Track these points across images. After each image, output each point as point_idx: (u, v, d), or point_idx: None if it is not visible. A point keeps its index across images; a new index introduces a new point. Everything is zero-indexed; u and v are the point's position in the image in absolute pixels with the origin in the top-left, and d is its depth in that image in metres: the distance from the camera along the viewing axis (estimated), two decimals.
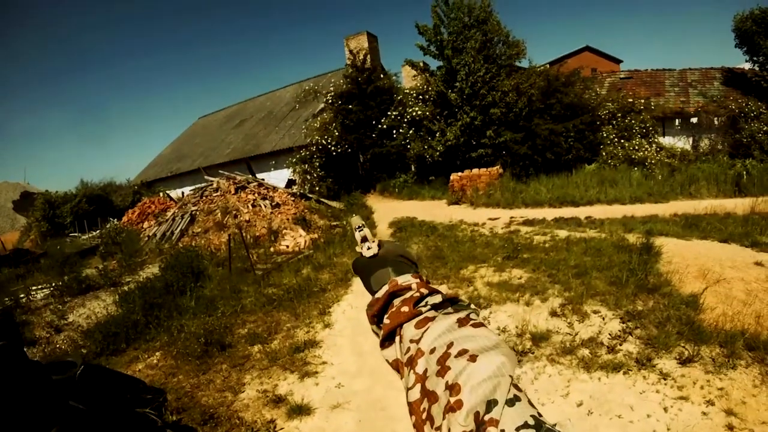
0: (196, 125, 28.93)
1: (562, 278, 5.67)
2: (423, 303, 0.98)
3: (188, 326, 5.30)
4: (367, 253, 1.31)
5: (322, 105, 16.02)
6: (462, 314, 0.88)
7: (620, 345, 3.90)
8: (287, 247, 9.70)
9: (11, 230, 24.38)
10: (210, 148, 21.52)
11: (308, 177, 14.51)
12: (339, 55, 15.39)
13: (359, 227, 1.47)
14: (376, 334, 1.03)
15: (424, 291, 1.02)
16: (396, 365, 0.92)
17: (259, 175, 16.06)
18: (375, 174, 15.32)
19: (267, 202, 12.24)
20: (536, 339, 4.20)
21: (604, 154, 13.81)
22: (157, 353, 5.03)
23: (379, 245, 1.34)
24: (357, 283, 6.89)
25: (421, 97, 14.68)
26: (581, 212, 9.95)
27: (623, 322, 4.28)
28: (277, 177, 15.49)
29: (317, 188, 14.30)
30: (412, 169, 14.83)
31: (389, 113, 14.57)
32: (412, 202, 13.86)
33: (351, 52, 15.24)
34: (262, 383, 4.17)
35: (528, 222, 9.60)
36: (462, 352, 0.72)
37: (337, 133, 14.12)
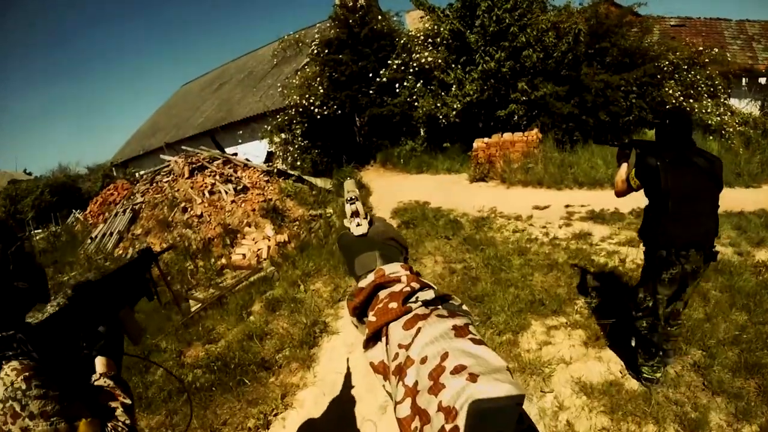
0: (177, 94, 25.41)
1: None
2: (413, 299, 0.80)
3: None
4: (356, 231, 1.08)
5: (307, 59, 12.41)
6: (459, 321, 0.69)
7: None
8: (243, 257, 6.57)
9: None
10: (184, 119, 18.20)
11: (290, 149, 11.20)
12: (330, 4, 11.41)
13: (351, 199, 1.19)
14: (356, 327, 0.88)
15: (415, 285, 0.83)
16: (383, 369, 0.76)
17: (233, 149, 12.86)
18: (374, 141, 11.99)
19: (230, 186, 9.03)
20: None
21: None
22: None
23: (370, 222, 1.10)
24: (330, 353, 3.85)
25: (430, 40, 11.02)
26: None
27: None
28: (255, 150, 12.20)
29: (299, 162, 11.01)
30: (421, 133, 11.44)
31: (390, 62, 11.05)
32: (423, 177, 10.57)
33: None
34: None
35: (597, 216, 6.34)
36: (459, 369, 0.58)
37: (322, 90, 10.68)
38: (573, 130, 10.15)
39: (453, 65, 10.48)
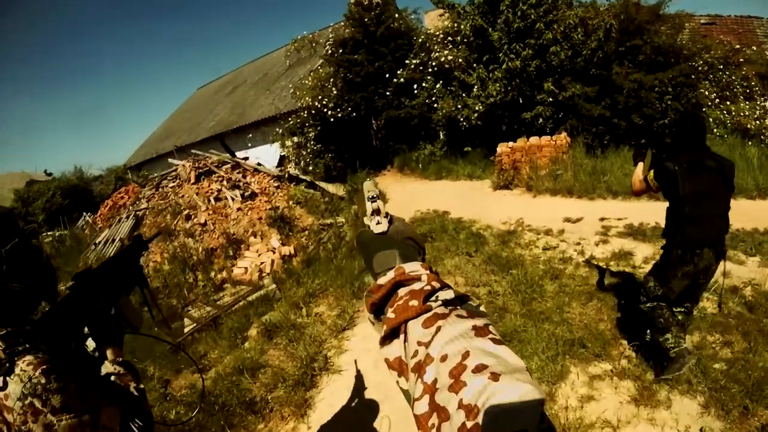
0: (192, 98, 25.32)
1: None
2: (433, 298, 0.79)
3: None
4: (376, 229, 1.08)
5: (321, 60, 11.91)
6: (479, 321, 0.69)
7: None
8: (245, 271, 6.06)
9: None
10: (196, 123, 17.94)
11: (302, 153, 10.69)
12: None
13: (372, 197, 1.17)
14: (372, 324, 0.88)
15: (436, 284, 0.81)
16: (398, 366, 0.75)
17: (245, 153, 12.41)
18: (391, 145, 11.41)
19: (237, 192, 8.57)
20: None
21: (711, 120, 9.35)
22: None
23: (390, 221, 1.10)
24: (330, 396, 3.27)
25: (450, 39, 10.38)
26: None
27: None
28: (266, 154, 11.74)
29: (311, 167, 10.49)
30: (441, 137, 10.82)
31: (408, 62, 10.47)
32: (442, 184, 9.93)
33: None
34: None
35: (636, 232, 5.64)
36: (480, 368, 0.57)
37: (335, 92, 10.14)
38: (603, 134, 9.39)
39: (475, 65, 9.82)
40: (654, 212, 5.55)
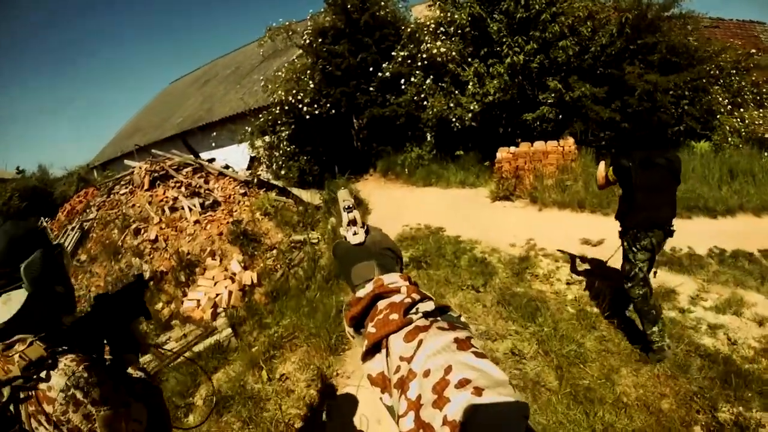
0: (163, 92, 23.64)
1: None
2: (414, 310, 0.76)
3: None
4: (353, 239, 1.01)
5: (299, 52, 10.70)
6: (461, 334, 0.66)
7: None
8: (197, 305, 4.91)
9: None
10: (164, 119, 16.44)
11: (275, 154, 9.50)
12: None
13: (348, 207, 1.14)
14: (351, 338, 0.83)
15: (416, 296, 0.78)
16: (381, 381, 0.73)
17: (211, 153, 11.15)
18: (375, 147, 10.35)
19: (196, 201, 7.36)
20: None
21: (727, 128, 8.62)
22: None
23: (367, 231, 1.05)
24: None
25: (443, 29, 9.35)
26: (733, 230, 5.42)
27: None
28: (235, 155, 10.47)
29: (283, 171, 9.33)
30: (428, 138, 9.74)
31: (395, 54, 9.41)
32: (431, 191, 8.92)
33: None
34: None
35: (671, 261, 4.78)
36: (464, 382, 0.56)
37: (312, 86, 8.99)
38: (612, 140, 8.53)
39: (470, 59, 8.82)
40: (685, 236, 4.67)
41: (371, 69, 9.55)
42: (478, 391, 0.54)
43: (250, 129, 9.67)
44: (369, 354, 0.77)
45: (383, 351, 0.74)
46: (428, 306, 0.77)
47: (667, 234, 3.10)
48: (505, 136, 9.04)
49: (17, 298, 1.04)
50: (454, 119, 8.69)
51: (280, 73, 9.43)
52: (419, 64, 9.19)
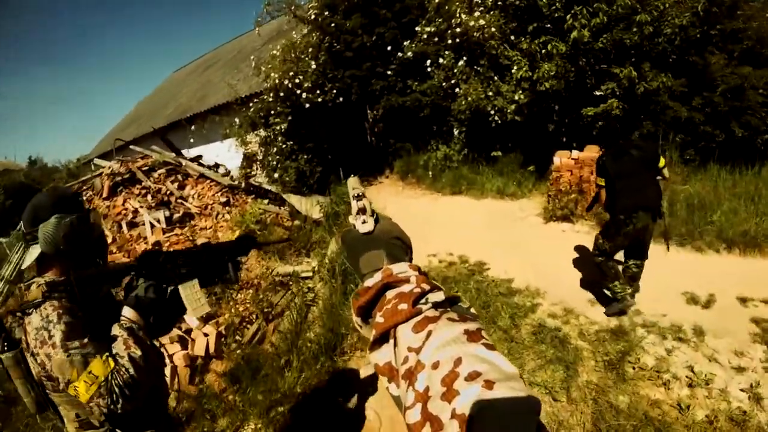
0: (167, 80, 22.15)
1: None
2: (423, 300, 0.75)
3: None
4: (362, 228, 0.99)
5: (304, 31, 8.92)
6: (471, 326, 0.66)
7: None
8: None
9: None
10: (157, 110, 14.93)
11: (271, 151, 7.85)
12: None
13: (358, 195, 1.08)
14: (359, 328, 0.83)
15: (425, 286, 0.77)
16: (389, 371, 0.72)
17: (200, 150, 9.57)
18: (392, 144, 8.65)
19: (161, 214, 5.80)
20: None
21: None
22: None
23: (376, 220, 1.02)
24: None
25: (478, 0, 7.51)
26: None
27: None
28: (230, 151, 8.82)
29: (277, 174, 7.68)
30: (458, 134, 7.97)
31: (419, 30, 7.61)
32: (462, 202, 7.22)
33: None
34: None
35: None
36: (474, 375, 0.56)
37: (314, 67, 7.27)
38: (689, 146, 6.69)
39: (515, 37, 7.01)
40: None
41: (389, 48, 7.82)
42: (489, 384, 0.53)
43: (238, 121, 8.02)
44: (377, 344, 0.75)
45: (391, 341, 0.73)
46: (438, 296, 0.75)
47: (655, 215, 3.37)
48: (556, 134, 7.25)
49: (33, 253, 1.29)
50: (492, 112, 6.93)
51: (275, 52, 7.72)
52: (449, 42, 7.41)
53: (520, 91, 6.82)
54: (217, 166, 8.08)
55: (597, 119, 6.63)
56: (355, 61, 7.81)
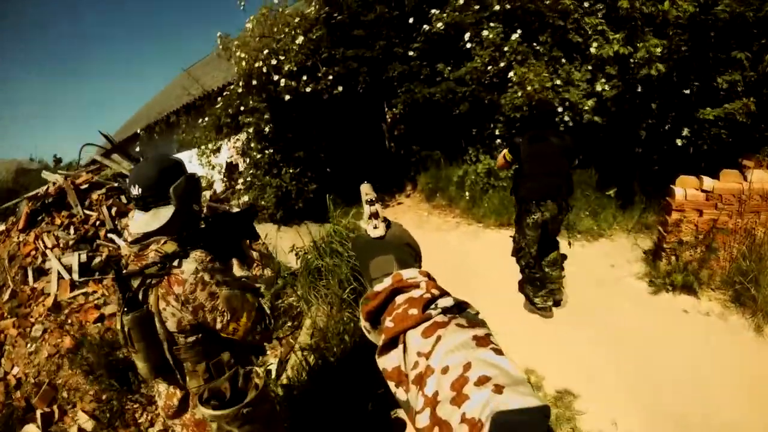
0: (180, 76, 20.77)
1: None
2: (433, 306, 0.72)
3: None
4: (373, 233, 0.94)
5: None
6: (479, 331, 0.65)
7: None
8: None
9: None
10: (151, 106, 13.47)
11: (246, 162, 6.01)
12: None
13: (370, 200, 1.02)
14: (367, 333, 0.81)
15: (435, 292, 0.74)
16: (397, 376, 0.70)
17: (183, 156, 7.83)
18: (415, 151, 6.61)
19: (74, 260, 4.13)
20: None
21: None
22: None
23: (387, 225, 0.97)
24: None
25: None
26: None
27: None
28: (191, 162, 7.01)
29: (247, 197, 5.80)
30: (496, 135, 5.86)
31: None
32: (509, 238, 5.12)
33: None
34: None
35: None
36: (483, 380, 0.55)
37: (300, 41, 5.27)
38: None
39: (587, 2, 4.84)
40: None
41: (411, 20, 5.75)
42: (499, 388, 0.54)
43: (203, 125, 6.14)
44: (385, 349, 0.75)
45: (400, 346, 0.72)
46: (447, 302, 0.74)
47: (563, 208, 3.35)
48: (649, 145, 5.03)
49: (165, 212, 1.37)
50: (561, 110, 4.78)
51: (249, 24, 5.79)
52: (496, 8, 5.27)
53: (603, 80, 4.64)
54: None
55: (715, 124, 4.37)
56: (364, 39, 5.81)
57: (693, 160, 4.72)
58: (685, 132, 4.56)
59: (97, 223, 4.78)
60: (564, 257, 3.71)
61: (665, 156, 5.13)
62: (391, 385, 0.70)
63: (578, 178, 5.45)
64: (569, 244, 3.75)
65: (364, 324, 0.80)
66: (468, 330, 0.65)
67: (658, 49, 4.08)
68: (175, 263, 1.28)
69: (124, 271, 1.32)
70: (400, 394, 0.69)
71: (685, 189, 3.73)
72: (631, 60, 4.28)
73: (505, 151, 3.47)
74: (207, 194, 6.62)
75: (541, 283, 3.48)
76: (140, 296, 1.30)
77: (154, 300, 1.30)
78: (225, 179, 6.54)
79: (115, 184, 5.58)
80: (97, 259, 4.28)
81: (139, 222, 1.37)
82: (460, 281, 3.97)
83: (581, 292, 3.83)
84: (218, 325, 1.31)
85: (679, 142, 4.62)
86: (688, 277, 3.52)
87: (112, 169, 6.26)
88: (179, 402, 1.43)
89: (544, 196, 3.23)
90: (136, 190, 1.38)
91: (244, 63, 5.33)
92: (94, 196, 5.30)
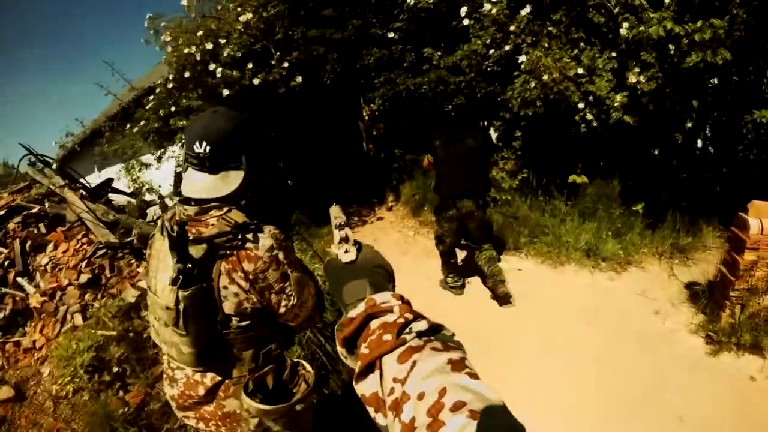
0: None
1: None
2: (407, 330, 0.70)
3: None
4: (345, 258, 0.92)
5: None
6: (454, 355, 0.64)
7: None
8: None
9: None
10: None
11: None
12: None
13: (340, 225, 0.97)
14: (345, 359, 0.78)
15: (409, 316, 0.72)
16: (375, 402, 0.68)
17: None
18: (396, 156, 5.59)
19: None
20: None
21: None
22: None
23: (358, 248, 0.93)
24: None
25: None
26: None
27: None
28: (120, 179, 5.70)
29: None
30: (512, 142, 4.88)
31: None
32: (524, 269, 4.19)
33: None
34: None
35: None
36: (459, 405, 0.53)
37: (244, 19, 4.11)
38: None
39: None
40: None
41: None
42: (474, 414, 0.53)
43: (134, 129, 4.88)
44: (362, 375, 0.72)
45: (377, 372, 0.70)
46: (421, 325, 0.71)
47: (479, 206, 3.55)
48: (676, 151, 4.13)
49: (235, 177, 1.13)
50: (583, 106, 3.82)
51: (184, 3, 4.57)
52: None
53: (637, 69, 3.67)
54: (135, 193, 5.21)
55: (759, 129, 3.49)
56: (331, 18, 4.69)
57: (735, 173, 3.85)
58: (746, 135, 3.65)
59: (6, 263, 3.61)
60: (499, 256, 3.95)
61: (701, 165, 4.26)
62: (371, 410, 0.68)
63: (599, 191, 4.55)
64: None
65: (340, 350, 0.77)
66: (443, 353, 0.63)
67: (721, 31, 3.13)
68: (250, 236, 1.07)
69: (190, 237, 1.03)
70: (379, 419, 0.67)
71: (761, 218, 2.82)
72: (683, 42, 3.31)
73: (428, 154, 3.70)
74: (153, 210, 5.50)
75: (453, 266, 3.88)
76: (196, 270, 1.02)
77: (216, 274, 1.06)
78: (176, 192, 5.40)
79: (36, 210, 4.40)
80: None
81: (204, 184, 1.10)
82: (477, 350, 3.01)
83: (621, 352, 2.89)
84: (282, 309, 1.14)
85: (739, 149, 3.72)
86: (758, 336, 2.65)
87: (43, 185, 5.05)
88: (206, 392, 1.18)
89: (461, 196, 3.49)
90: (200, 148, 1.10)
91: (171, 48, 4.13)
92: (11, 225, 4.11)
